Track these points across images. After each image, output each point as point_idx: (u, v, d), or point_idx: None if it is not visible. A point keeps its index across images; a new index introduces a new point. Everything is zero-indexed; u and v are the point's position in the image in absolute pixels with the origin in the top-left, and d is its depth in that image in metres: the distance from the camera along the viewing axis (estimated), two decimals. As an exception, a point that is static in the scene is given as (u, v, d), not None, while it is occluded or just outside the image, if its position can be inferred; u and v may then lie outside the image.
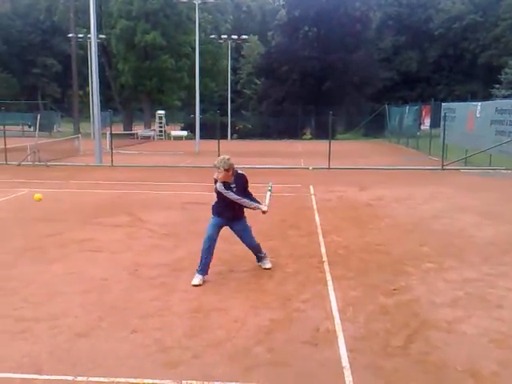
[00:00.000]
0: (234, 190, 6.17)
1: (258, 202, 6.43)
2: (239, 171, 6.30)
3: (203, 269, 6.15)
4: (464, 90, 47.78)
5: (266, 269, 6.56)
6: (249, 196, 6.39)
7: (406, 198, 12.19)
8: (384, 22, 57.38)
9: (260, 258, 6.67)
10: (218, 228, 6.34)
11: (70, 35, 43.08)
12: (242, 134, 45.31)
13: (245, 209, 6.43)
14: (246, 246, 6.60)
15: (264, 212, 6.42)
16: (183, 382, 3.85)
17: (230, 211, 6.29)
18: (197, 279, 6.06)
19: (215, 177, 6.15)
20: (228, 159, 6.06)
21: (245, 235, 6.49)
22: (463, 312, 5.20)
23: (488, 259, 7.06)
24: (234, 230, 6.50)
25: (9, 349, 4.36)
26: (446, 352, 4.34)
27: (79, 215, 10.06)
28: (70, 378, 3.89)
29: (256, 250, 6.62)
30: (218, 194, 6.24)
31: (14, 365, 4.09)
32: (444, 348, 4.42)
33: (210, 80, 47.96)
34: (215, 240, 6.27)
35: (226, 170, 6.02)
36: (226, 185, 6.14)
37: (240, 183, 6.25)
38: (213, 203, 6.44)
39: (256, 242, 6.57)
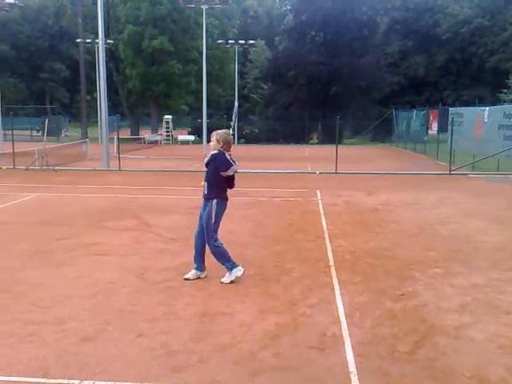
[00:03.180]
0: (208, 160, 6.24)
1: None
2: (222, 152, 6.16)
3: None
4: (472, 95, 47.53)
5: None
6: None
7: (414, 203, 12.15)
8: (391, 26, 57.30)
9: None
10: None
11: (78, 40, 43.33)
12: (249, 139, 45.37)
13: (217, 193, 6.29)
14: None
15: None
16: (189, 386, 3.85)
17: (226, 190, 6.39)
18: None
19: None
20: (225, 133, 6.27)
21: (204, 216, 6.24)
22: (471, 318, 5.17)
23: (496, 265, 7.02)
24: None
25: (16, 352, 4.37)
26: (453, 358, 4.32)
27: (86, 219, 10.10)
28: (76, 381, 3.90)
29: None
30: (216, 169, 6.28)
31: (22, 368, 4.10)
32: (451, 354, 4.39)
33: (217, 85, 48.14)
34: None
35: (217, 141, 6.17)
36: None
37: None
38: None
39: (209, 233, 6.15)
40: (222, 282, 6.16)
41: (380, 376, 4.01)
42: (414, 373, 4.07)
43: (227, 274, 6.22)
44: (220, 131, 6.31)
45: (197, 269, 6.34)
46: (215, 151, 6.20)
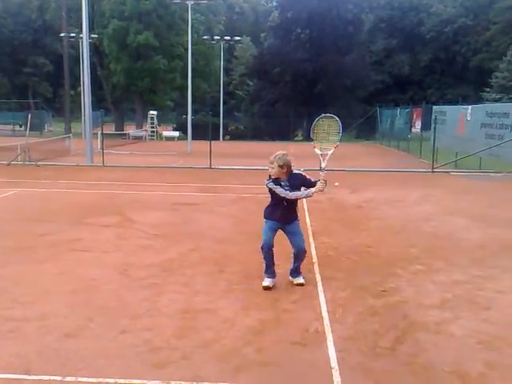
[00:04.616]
0: (286, 188, 5.85)
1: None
2: (295, 171, 5.95)
3: (268, 271, 6.04)
4: (455, 94, 48.09)
5: (298, 284, 6.08)
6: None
7: (397, 201, 12.25)
8: (376, 24, 57.67)
9: (296, 269, 6.21)
10: (271, 232, 6.02)
11: (62, 34, 42.94)
12: (234, 135, 45.35)
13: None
14: (294, 251, 6.10)
15: (320, 190, 5.92)
16: (172, 382, 3.85)
17: (280, 212, 5.95)
18: (266, 281, 5.98)
19: (269, 173, 5.88)
20: (284, 155, 5.81)
21: (295, 239, 6.07)
22: (451, 314, 5.24)
23: (477, 261, 7.11)
24: (285, 233, 6.14)
25: (-3, 349, 4.34)
26: (433, 353, 4.37)
27: (69, 215, 10.02)
28: (58, 378, 3.88)
29: (301, 258, 6.13)
30: (269, 191, 5.94)
31: (2, 364, 4.06)
32: (432, 349, 4.44)
33: (203, 81, 48.02)
34: (271, 246, 6.00)
35: (280, 167, 5.76)
36: (277, 181, 5.83)
37: (294, 183, 5.88)
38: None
39: (305, 249, 6.14)
40: (298, 284, 6.05)
41: (361, 371, 4.05)
42: (395, 368, 4.11)
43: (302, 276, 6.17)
44: (279, 155, 5.82)
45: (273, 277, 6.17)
46: (297, 171, 5.96)
